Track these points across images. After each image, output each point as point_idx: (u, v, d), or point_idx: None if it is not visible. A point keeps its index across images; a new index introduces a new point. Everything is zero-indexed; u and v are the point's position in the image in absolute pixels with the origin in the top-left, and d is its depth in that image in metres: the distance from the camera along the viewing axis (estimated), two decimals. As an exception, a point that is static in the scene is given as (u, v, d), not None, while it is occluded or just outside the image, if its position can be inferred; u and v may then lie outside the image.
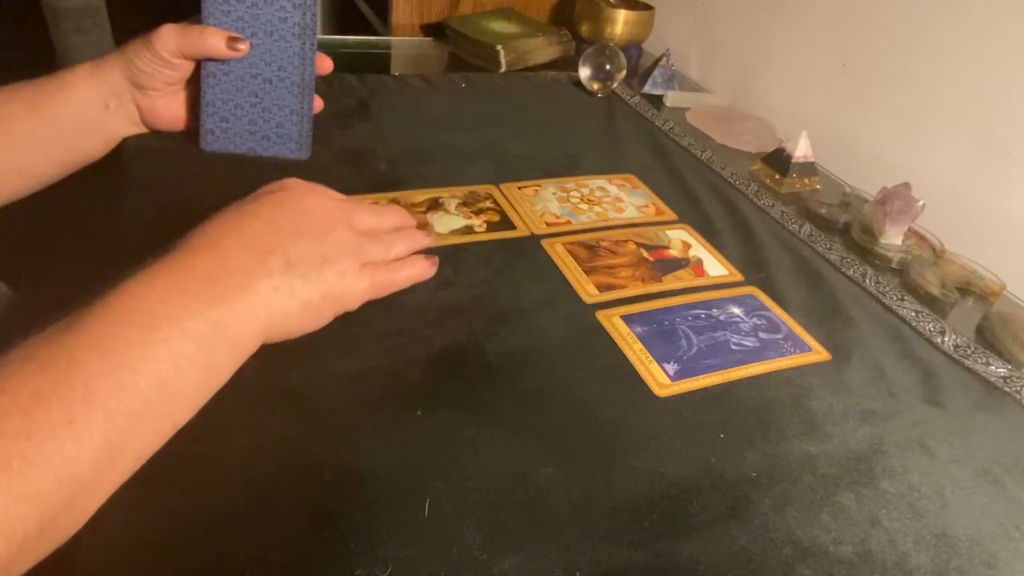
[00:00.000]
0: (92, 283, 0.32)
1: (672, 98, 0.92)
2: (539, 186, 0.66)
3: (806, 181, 0.75)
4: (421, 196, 0.61)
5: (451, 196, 0.62)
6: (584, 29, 1.05)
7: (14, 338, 0.29)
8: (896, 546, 0.37)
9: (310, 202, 0.40)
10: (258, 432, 0.37)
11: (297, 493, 0.34)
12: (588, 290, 0.52)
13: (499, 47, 0.95)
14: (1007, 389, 0.50)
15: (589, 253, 0.57)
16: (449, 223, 0.58)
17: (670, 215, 0.65)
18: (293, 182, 0.42)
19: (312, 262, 0.37)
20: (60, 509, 0.27)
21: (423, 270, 0.47)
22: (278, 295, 0.36)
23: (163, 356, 0.30)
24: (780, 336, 0.51)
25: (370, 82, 0.82)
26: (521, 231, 0.59)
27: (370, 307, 0.44)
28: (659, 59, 0.95)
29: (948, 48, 0.70)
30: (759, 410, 0.44)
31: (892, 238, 0.63)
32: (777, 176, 0.74)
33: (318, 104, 0.60)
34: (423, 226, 0.52)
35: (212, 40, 0.54)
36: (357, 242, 0.41)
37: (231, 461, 0.35)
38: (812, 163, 0.75)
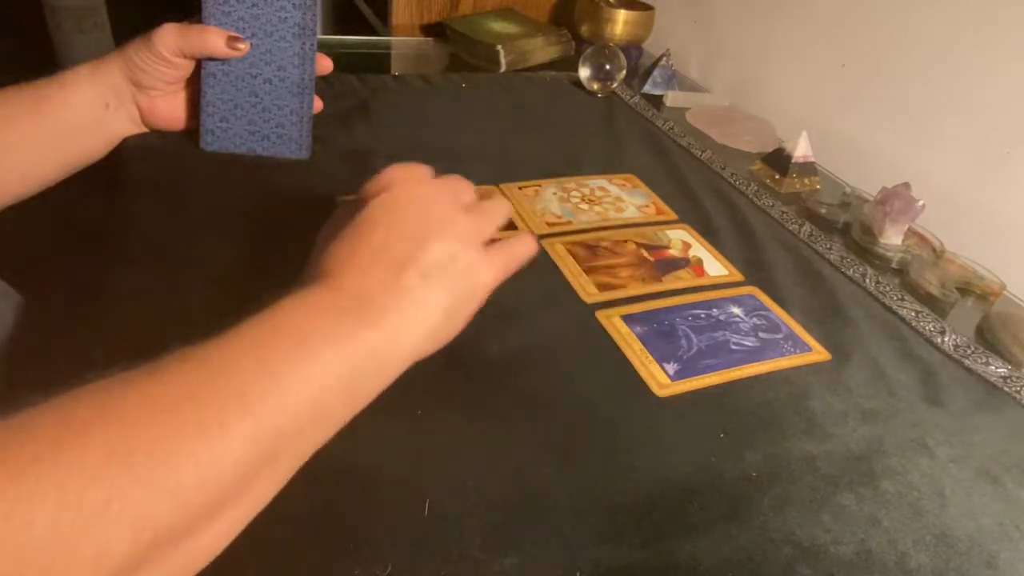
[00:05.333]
0: (93, 284, 0.32)
1: (672, 98, 0.92)
2: (539, 186, 0.66)
3: (806, 181, 0.75)
4: (421, 196, 0.61)
5: (451, 196, 0.62)
6: (584, 29, 1.05)
7: (20, 337, 0.29)
8: (896, 546, 0.37)
9: (419, 193, 0.38)
10: (258, 432, 0.37)
11: (297, 493, 0.34)
12: (588, 290, 0.52)
13: (499, 47, 0.95)
14: (1007, 389, 0.50)
15: (589, 253, 0.57)
16: (449, 223, 0.58)
17: (670, 215, 0.65)
18: (394, 175, 0.38)
19: (444, 264, 0.35)
20: (197, 519, 0.26)
21: (532, 243, 0.42)
22: (422, 308, 0.34)
23: (315, 374, 0.30)
24: (780, 336, 0.51)
25: (370, 82, 0.82)
26: (522, 231, 0.59)
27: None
28: (659, 59, 0.95)
29: (948, 48, 0.70)
30: (759, 410, 0.44)
31: (892, 238, 0.63)
32: (777, 176, 0.74)
33: (318, 104, 0.60)
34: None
35: (212, 39, 0.54)
36: (474, 227, 0.38)
37: (231, 461, 0.35)
38: (812, 163, 0.75)
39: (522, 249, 0.41)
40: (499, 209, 0.41)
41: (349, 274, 0.34)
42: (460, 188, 0.40)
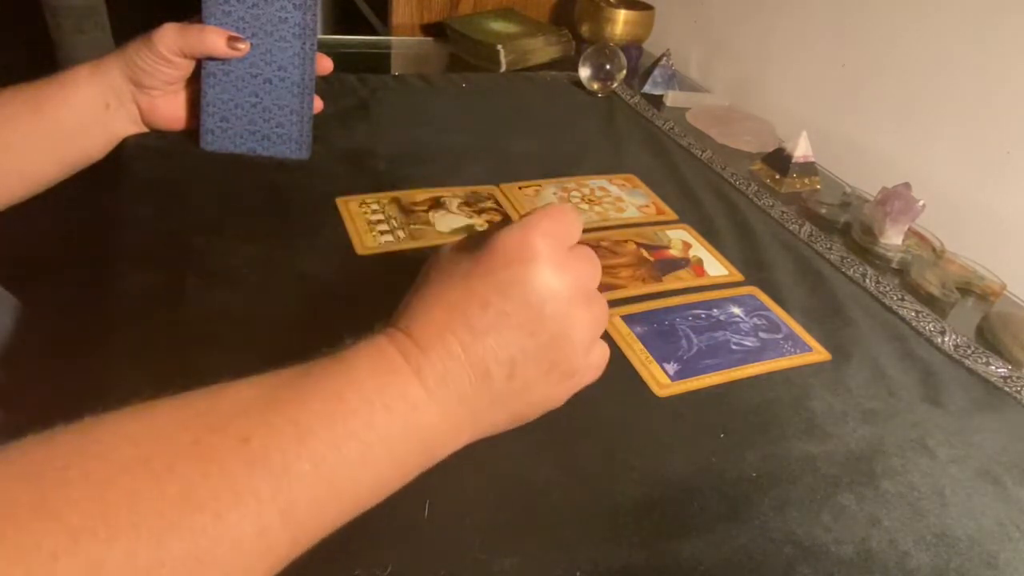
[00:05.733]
0: (93, 285, 0.32)
1: (672, 98, 0.92)
2: (540, 186, 0.66)
3: (806, 181, 0.75)
4: (422, 195, 0.61)
5: (452, 195, 0.62)
6: (584, 29, 1.05)
7: (18, 342, 0.28)
8: (896, 546, 0.37)
9: (547, 288, 0.32)
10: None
11: (297, 493, 0.34)
12: (588, 290, 0.52)
13: (499, 47, 0.95)
14: (1007, 389, 0.50)
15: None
16: (451, 222, 0.58)
17: (670, 215, 0.65)
18: (536, 243, 0.32)
19: (536, 372, 0.32)
20: None
21: (603, 362, 0.37)
22: (492, 408, 0.32)
23: (368, 480, 0.29)
24: (780, 336, 0.51)
25: (370, 82, 0.82)
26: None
27: (369, 308, 0.44)
28: (659, 59, 0.95)
29: (948, 48, 0.70)
30: (759, 410, 0.44)
31: (892, 238, 0.63)
32: (777, 176, 0.74)
33: (318, 104, 0.60)
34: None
35: (212, 39, 0.54)
36: (588, 332, 0.34)
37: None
38: (812, 163, 0.75)
39: (598, 374, 0.37)
40: (606, 308, 0.36)
41: (436, 355, 0.31)
42: (589, 275, 0.34)
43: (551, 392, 0.34)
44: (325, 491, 0.27)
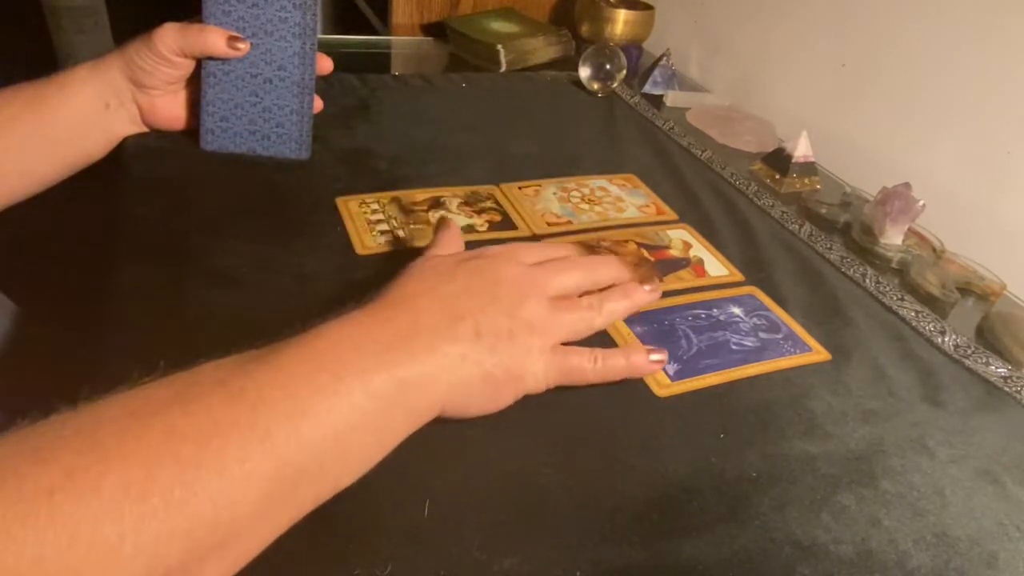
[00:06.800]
0: (93, 286, 0.32)
1: (672, 98, 0.92)
2: (540, 186, 0.66)
3: (806, 181, 0.75)
4: (422, 195, 0.61)
5: (452, 195, 0.62)
6: (584, 29, 1.05)
7: (17, 345, 0.29)
8: (896, 546, 0.37)
9: (505, 271, 0.39)
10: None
11: (297, 493, 0.34)
12: (588, 290, 0.52)
13: (499, 47, 0.95)
14: (1007, 389, 0.50)
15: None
16: (449, 223, 0.58)
17: (671, 215, 0.65)
18: (491, 250, 0.40)
19: (500, 333, 0.36)
20: (209, 551, 0.25)
21: (639, 364, 0.41)
22: (464, 362, 0.35)
23: (343, 410, 0.30)
24: (780, 336, 0.51)
25: (370, 82, 0.82)
26: (522, 231, 0.59)
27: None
28: (659, 59, 0.95)
29: (948, 48, 0.70)
30: (759, 410, 0.44)
31: (892, 238, 0.63)
32: (777, 176, 0.74)
33: (318, 104, 0.60)
34: (647, 278, 0.45)
35: (212, 38, 0.54)
36: (548, 320, 0.38)
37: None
38: (812, 163, 0.75)
39: (615, 365, 0.40)
40: (610, 301, 0.42)
41: (406, 310, 0.35)
42: (556, 275, 0.40)
43: (520, 359, 0.37)
44: (303, 421, 0.28)
